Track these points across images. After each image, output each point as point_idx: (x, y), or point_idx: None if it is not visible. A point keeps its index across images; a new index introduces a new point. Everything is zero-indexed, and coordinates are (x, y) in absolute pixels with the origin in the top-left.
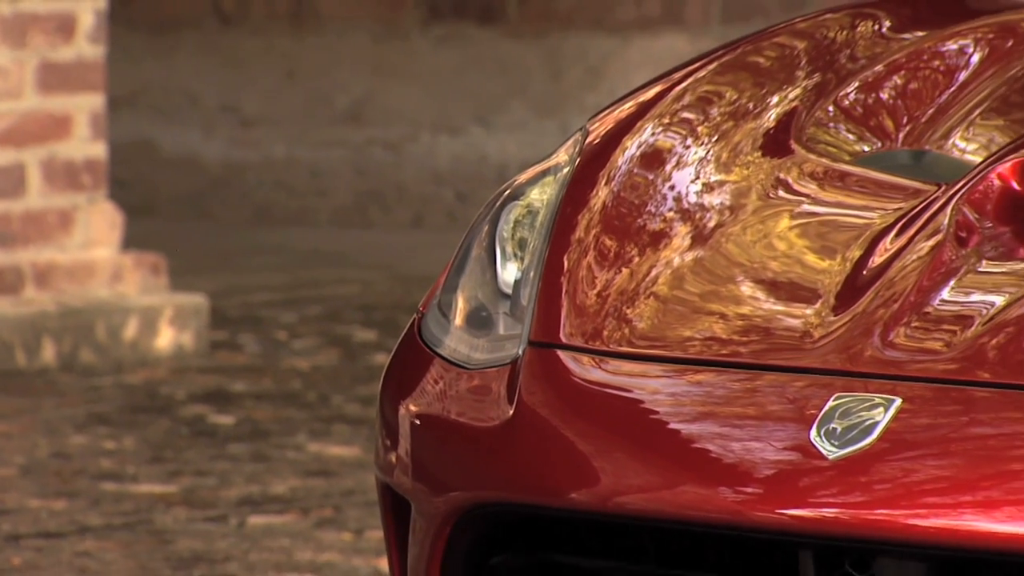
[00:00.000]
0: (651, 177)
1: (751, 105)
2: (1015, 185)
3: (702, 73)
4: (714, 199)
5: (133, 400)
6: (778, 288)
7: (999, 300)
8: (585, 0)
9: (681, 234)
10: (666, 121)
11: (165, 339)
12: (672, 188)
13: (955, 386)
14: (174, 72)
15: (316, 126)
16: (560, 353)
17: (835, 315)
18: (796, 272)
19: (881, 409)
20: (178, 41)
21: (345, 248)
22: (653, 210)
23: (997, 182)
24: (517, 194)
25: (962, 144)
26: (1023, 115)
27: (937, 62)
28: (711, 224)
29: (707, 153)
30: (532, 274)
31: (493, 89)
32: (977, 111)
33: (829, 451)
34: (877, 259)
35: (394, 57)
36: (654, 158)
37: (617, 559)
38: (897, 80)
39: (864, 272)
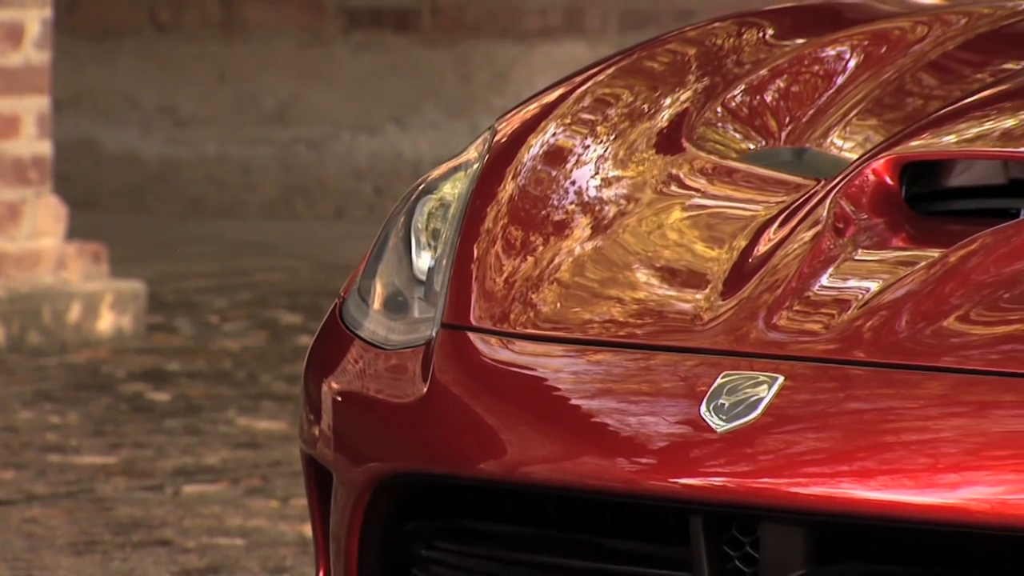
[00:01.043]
0: (554, 173)
1: (646, 106)
2: (888, 180)
3: (600, 77)
4: (612, 193)
5: (76, 378)
6: (671, 275)
7: (873, 286)
8: (493, 10)
9: (582, 225)
10: (567, 121)
11: (106, 322)
12: (573, 183)
13: (833, 365)
14: (114, 76)
15: (245, 126)
16: (470, 335)
17: (723, 300)
18: (687, 260)
19: (765, 386)
20: (118, 47)
21: (272, 238)
22: (556, 203)
23: (872, 177)
24: (430, 188)
25: (840, 142)
26: (895, 115)
27: (816, 67)
28: (609, 216)
29: (605, 151)
30: (444, 262)
31: (408, 92)
32: (853, 112)
33: (717, 425)
34: (761, 248)
35: (317, 62)
36: (556, 155)
37: (522, 524)
38: (780, 83)
39: (750, 260)
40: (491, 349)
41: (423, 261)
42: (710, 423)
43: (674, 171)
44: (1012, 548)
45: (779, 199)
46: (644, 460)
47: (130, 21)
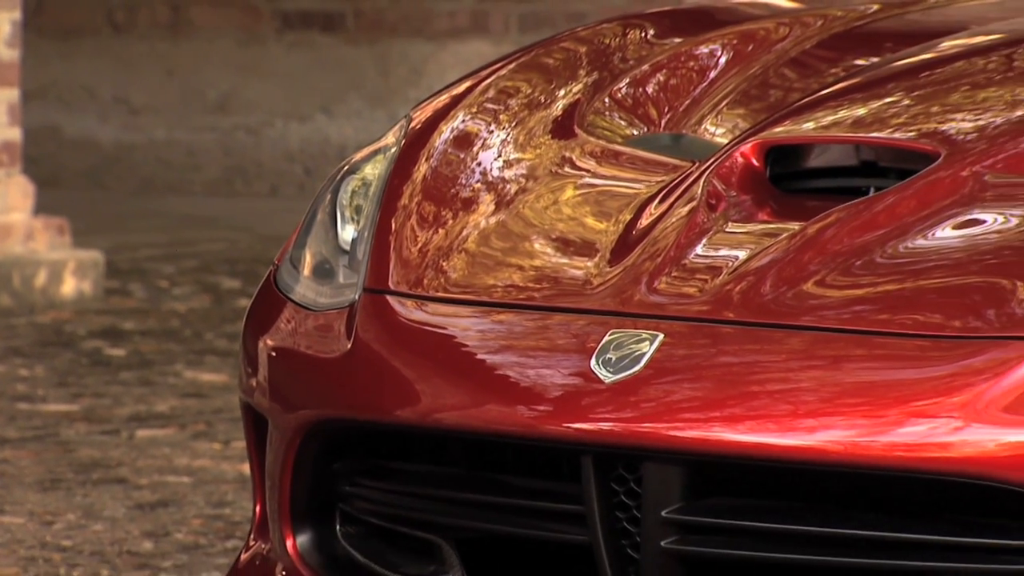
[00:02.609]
0: (462, 155)
1: (542, 97)
2: (754, 162)
3: (503, 71)
4: (513, 173)
5: (43, 336)
6: (564, 245)
7: (742, 254)
8: (408, 13)
9: (486, 201)
10: (474, 110)
11: (69, 287)
12: (479, 164)
13: (706, 324)
14: (75, 70)
15: (190, 114)
16: (389, 298)
17: (610, 267)
18: (579, 232)
19: (647, 343)
20: (78, 45)
21: (215, 213)
22: (464, 182)
23: (740, 159)
24: (353, 169)
25: (712, 129)
26: (761, 105)
27: (692, 63)
28: (511, 193)
29: (507, 136)
30: (366, 234)
31: (334, 85)
32: (724, 102)
33: (605, 376)
34: (644, 222)
35: (254, 59)
36: (464, 140)
37: (434, 463)
38: (660, 77)
39: (633, 232)
40: (407, 310)
41: (347, 233)
42: (599, 375)
43: (567, 154)
44: (863, 484)
45: (659, 179)
46: (541, 407)
47: (89, 22)
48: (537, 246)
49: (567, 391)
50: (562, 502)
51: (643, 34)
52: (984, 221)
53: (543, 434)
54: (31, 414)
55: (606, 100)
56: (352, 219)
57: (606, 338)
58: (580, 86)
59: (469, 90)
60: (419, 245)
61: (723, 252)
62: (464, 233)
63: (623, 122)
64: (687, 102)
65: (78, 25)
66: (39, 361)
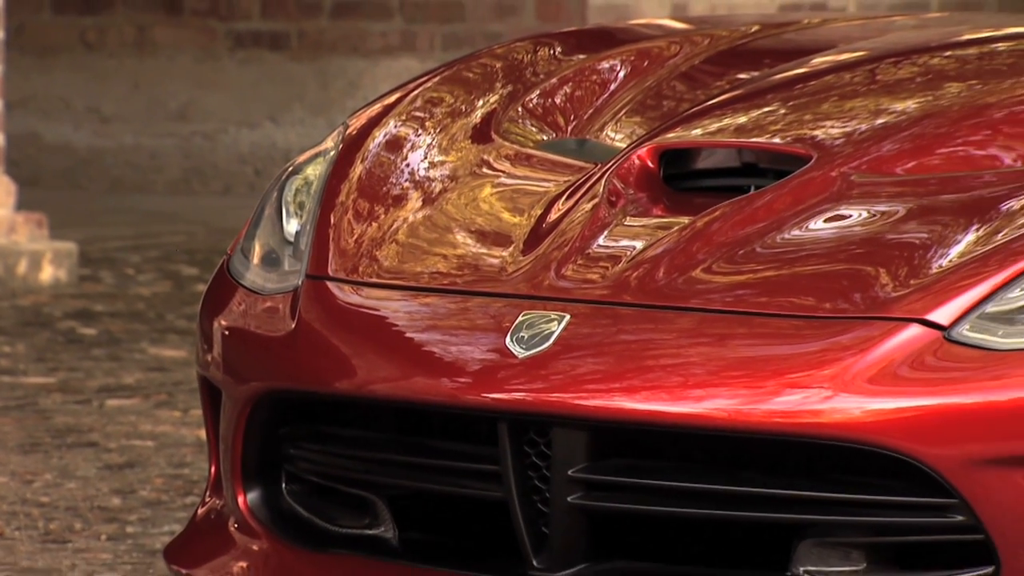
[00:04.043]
0: (393, 157)
1: (463, 106)
2: (649, 164)
3: (429, 84)
4: (437, 173)
5: (24, 317)
6: (483, 236)
7: (638, 245)
8: (345, 33)
9: (414, 198)
10: (403, 118)
11: (47, 274)
12: (408, 165)
13: (607, 306)
14: (52, 84)
15: (154, 122)
16: (328, 283)
17: (523, 256)
18: (495, 225)
19: (556, 323)
20: (55, 62)
21: (175, 209)
22: (394, 181)
23: (637, 161)
24: (297, 170)
25: (612, 134)
26: (655, 114)
27: (594, 76)
28: (435, 191)
29: (432, 140)
30: (308, 227)
31: (280, 96)
32: (623, 111)
33: (519, 352)
34: (552, 216)
35: (210, 73)
36: (395, 144)
37: (368, 429)
38: (566, 89)
39: (543, 225)
40: (344, 294)
41: (291, 226)
42: (513, 351)
43: (485, 157)
44: (745, 446)
45: (566, 178)
46: (462, 379)
47: (64, 41)
48: (459, 237)
49: (485, 365)
50: (481, 463)
51: (551, 51)
52: (850, 215)
53: (464, 403)
54: (13, 386)
55: (519, 109)
56: (296, 214)
57: (519, 319)
58: (496, 97)
59: (399, 100)
60: (355, 236)
61: (622, 243)
62: (395, 226)
63: (534, 129)
64: (590, 111)
65: (55, 44)
66: (20, 339)
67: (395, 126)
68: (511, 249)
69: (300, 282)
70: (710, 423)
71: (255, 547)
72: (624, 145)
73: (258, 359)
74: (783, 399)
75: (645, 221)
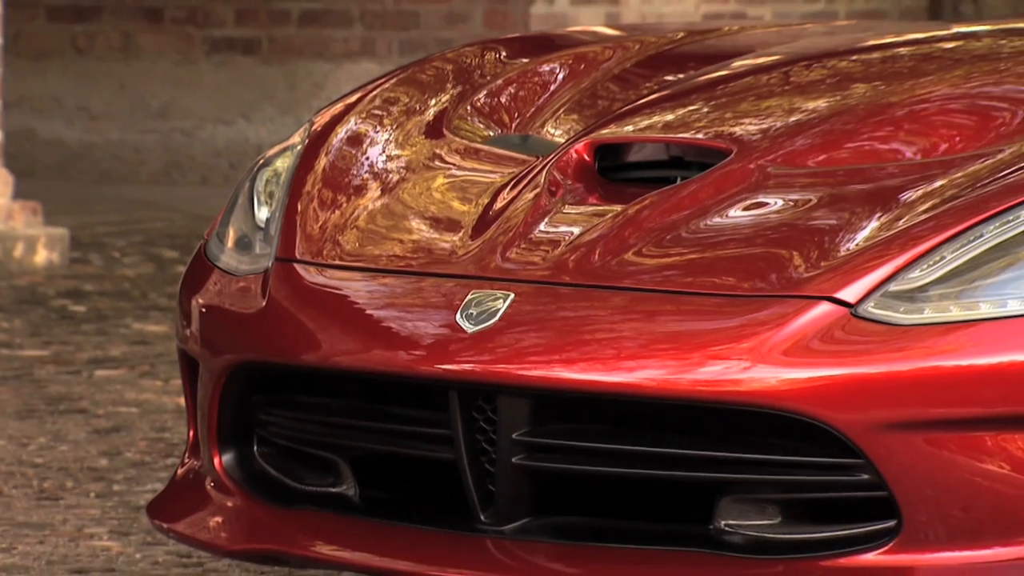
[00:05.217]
0: (354, 151)
1: (418, 105)
2: (586, 157)
3: (387, 85)
4: (394, 165)
5: (20, 296)
6: (435, 223)
7: (576, 230)
8: (311, 39)
9: (373, 188)
10: (364, 116)
11: (41, 257)
12: (367, 158)
13: (548, 285)
14: (46, 85)
15: (138, 120)
16: (295, 265)
17: (471, 240)
18: (447, 213)
19: (501, 300)
20: (48, 65)
21: (157, 199)
22: (355, 173)
23: (575, 155)
24: (267, 163)
25: (552, 130)
26: (591, 112)
27: (536, 78)
28: (393, 181)
29: (390, 136)
30: (277, 214)
31: (252, 97)
32: (561, 109)
33: (468, 328)
34: (498, 204)
35: (188, 76)
36: (356, 139)
37: (331, 397)
38: (511, 89)
39: (490, 213)
40: (310, 275)
41: (262, 214)
42: (463, 326)
43: (437, 151)
44: (672, 411)
45: (510, 170)
46: (417, 352)
47: (57, 46)
48: (414, 223)
49: (437, 339)
50: (434, 427)
51: (497, 55)
52: (767, 204)
53: (418, 373)
54: (10, 358)
55: (468, 108)
56: (266, 202)
57: (468, 297)
58: (447, 97)
59: (359, 100)
60: (320, 223)
61: (561, 228)
62: (355, 213)
63: (481, 125)
64: (532, 109)
65: (48, 49)
66: (16, 316)
67: (356, 123)
68: (461, 234)
69: (270, 264)
70: (641, 391)
71: (229, 504)
72: (563, 140)
73: (232, 334)
74: (706, 369)
75: (582, 209)
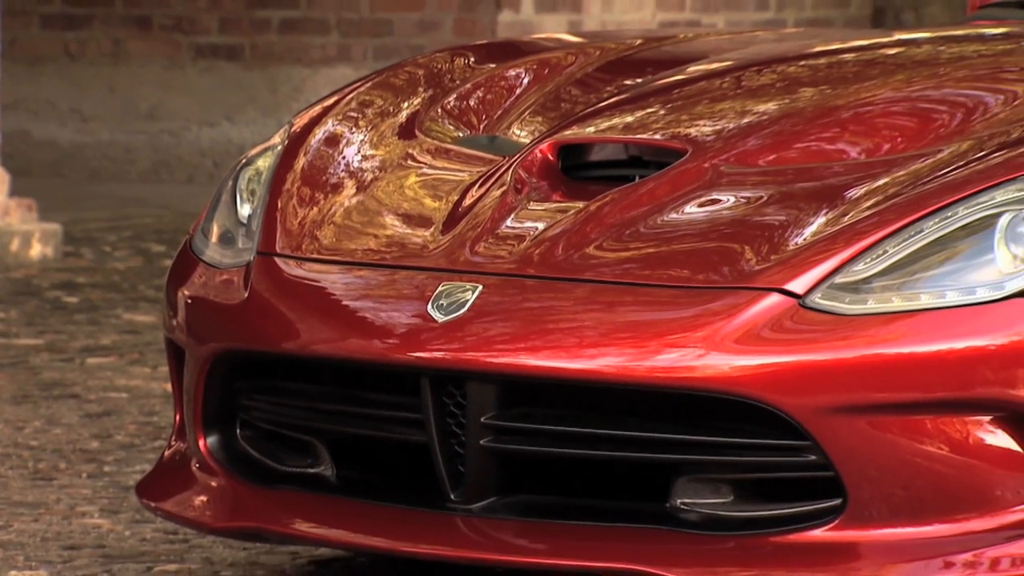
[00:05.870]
0: (331, 151)
1: (391, 108)
2: (550, 157)
3: (362, 88)
4: (369, 165)
5: (16, 288)
6: (408, 218)
7: (541, 225)
8: (291, 46)
9: (349, 186)
10: (340, 117)
11: (35, 251)
12: (344, 158)
13: (514, 278)
14: (40, 88)
15: (128, 121)
16: (276, 259)
17: (442, 235)
18: (419, 209)
19: (470, 292)
20: (43, 70)
21: (146, 196)
22: (332, 171)
23: (539, 155)
24: (249, 162)
25: (518, 132)
26: (555, 114)
27: (503, 82)
28: (368, 180)
29: (365, 137)
30: (259, 211)
31: (235, 100)
32: (527, 112)
33: (439, 318)
34: (467, 201)
35: (175, 80)
36: (333, 140)
37: (310, 383)
38: (479, 93)
39: (459, 209)
40: (289, 268)
41: (244, 210)
42: (434, 316)
43: (410, 151)
44: (631, 396)
45: (479, 169)
46: (390, 340)
47: (51, 52)
48: (387, 219)
49: (410, 328)
50: (406, 412)
51: (466, 61)
52: (720, 201)
53: (392, 361)
54: (6, 347)
55: (439, 110)
56: (248, 200)
57: (439, 288)
58: (419, 100)
59: (336, 102)
60: (299, 219)
61: (527, 224)
62: (332, 210)
63: (451, 127)
64: (499, 112)
65: (42, 54)
66: (13, 307)
67: (333, 125)
68: (432, 229)
69: (252, 258)
70: (601, 377)
71: (213, 483)
72: (528, 141)
73: (216, 323)
74: (663, 357)
75: (546, 205)
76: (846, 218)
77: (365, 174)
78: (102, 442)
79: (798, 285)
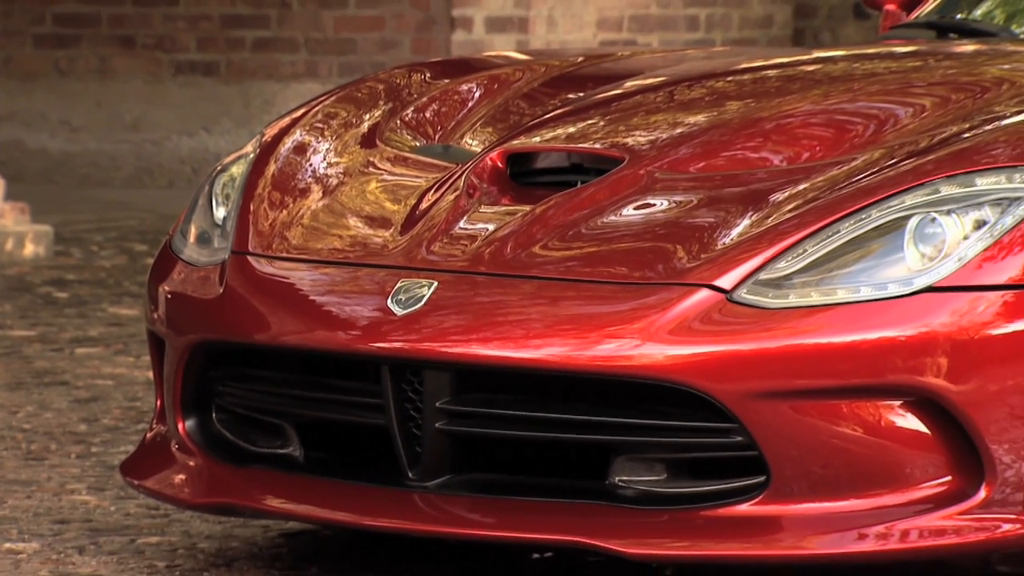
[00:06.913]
0: (299, 159)
1: (354, 119)
2: (500, 164)
3: (327, 101)
4: (334, 171)
5: (10, 284)
6: (370, 221)
7: (491, 227)
8: (263, 63)
9: (316, 191)
10: (307, 128)
11: (28, 250)
12: (311, 165)
13: (467, 275)
14: (33, 102)
15: (113, 131)
16: (249, 257)
17: (401, 235)
18: (380, 212)
19: (426, 288)
20: (35, 85)
21: (130, 200)
22: (300, 177)
23: (490, 162)
24: (225, 169)
25: (471, 141)
26: (504, 125)
27: (456, 96)
28: (332, 185)
29: (330, 146)
30: (233, 213)
31: (212, 112)
32: (478, 123)
33: (398, 311)
34: (424, 205)
35: (157, 94)
36: (301, 148)
37: (280, 371)
38: (435, 106)
39: (417, 212)
40: (261, 266)
41: (220, 213)
42: (393, 310)
43: (371, 159)
44: (574, 383)
45: (435, 176)
46: (353, 332)
47: (42, 68)
48: (351, 221)
49: (371, 321)
50: (368, 397)
51: (423, 76)
52: (655, 204)
53: (355, 351)
54: (2, 338)
55: (398, 121)
56: (223, 203)
57: (398, 284)
58: (380, 112)
59: (304, 114)
60: (269, 221)
61: (478, 225)
62: (300, 212)
63: (409, 137)
64: (453, 123)
65: (35, 71)
66: (7, 301)
67: (301, 134)
68: (391, 230)
69: (227, 256)
70: (546, 366)
71: (191, 463)
72: (480, 149)
73: (193, 317)
74: (603, 347)
75: (496, 208)
76: (769, 220)
77: (330, 180)
78: (89, 425)
79: (726, 281)
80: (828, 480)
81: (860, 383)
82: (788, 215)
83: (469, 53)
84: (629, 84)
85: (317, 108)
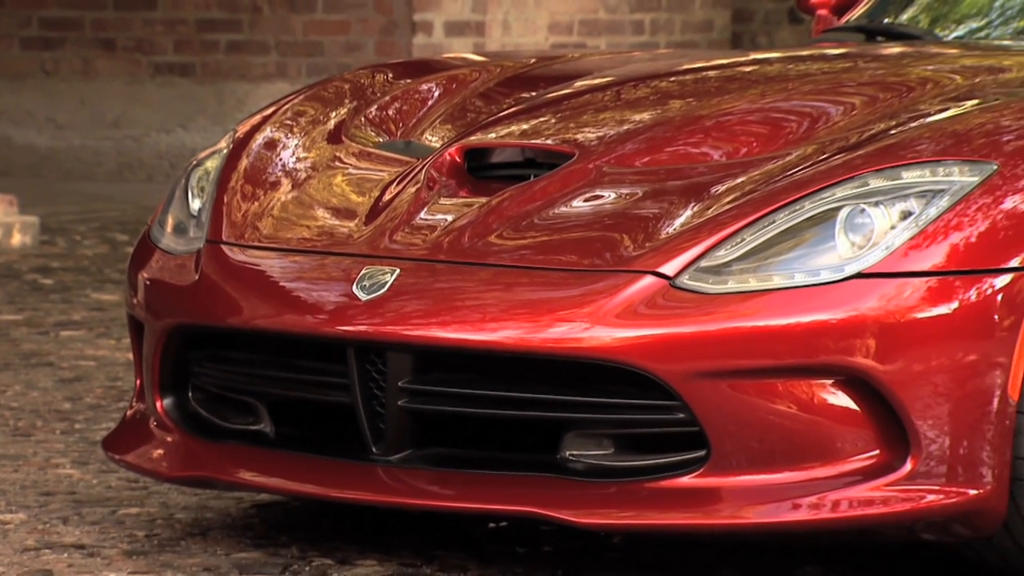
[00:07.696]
0: (270, 154)
1: (321, 117)
2: (458, 159)
3: (296, 100)
4: (302, 165)
5: None
6: (336, 212)
7: (450, 217)
8: (236, 64)
9: (286, 184)
10: (277, 125)
11: (16, 239)
12: (281, 159)
13: (427, 262)
14: (20, 100)
15: (96, 128)
16: (222, 246)
17: (365, 226)
18: (346, 204)
19: (389, 275)
20: (23, 85)
21: (111, 192)
22: (271, 171)
23: (448, 157)
24: (199, 163)
25: (431, 137)
26: (462, 123)
27: (417, 95)
28: (301, 178)
29: (299, 141)
30: (207, 205)
31: (188, 110)
32: (438, 120)
33: (362, 296)
34: (387, 197)
35: (137, 93)
36: (272, 144)
37: (252, 352)
38: (397, 104)
39: (380, 203)
40: (234, 254)
41: (195, 205)
42: (358, 295)
43: (337, 154)
44: (527, 364)
45: (397, 170)
46: (321, 316)
47: (29, 69)
48: (318, 212)
49: (337, 306)
50: (334, 377)
51: (386, 76)
52: (603, 196)
53: (322, 333)
54: None
55: (362, 119)
56: (199, 195)
57: (362, 271)
58: (345, 110)
59: (274, 112)
60: (242, 212)
61: (438, 216)
62: (271, 204)
63: (373, 133)
64: (414, 120)
65: (22, 71)
66: None
67: (271, 131)
68: (356, 221)
69: (202, 245)
70: (501, 347)
71: (169, 439)
72: (439, 145)
73: (171, 302)
74: (554, 330)
75: (454, 200)
76: (710, 211)
77: (299, 173)
78: (73, 404)
79: (669, 268)
80: (764, 454)
81: (794, 363)
82: (727, 206)
83: (429, 55)
84: (579, 84)
85: (287, 106)
